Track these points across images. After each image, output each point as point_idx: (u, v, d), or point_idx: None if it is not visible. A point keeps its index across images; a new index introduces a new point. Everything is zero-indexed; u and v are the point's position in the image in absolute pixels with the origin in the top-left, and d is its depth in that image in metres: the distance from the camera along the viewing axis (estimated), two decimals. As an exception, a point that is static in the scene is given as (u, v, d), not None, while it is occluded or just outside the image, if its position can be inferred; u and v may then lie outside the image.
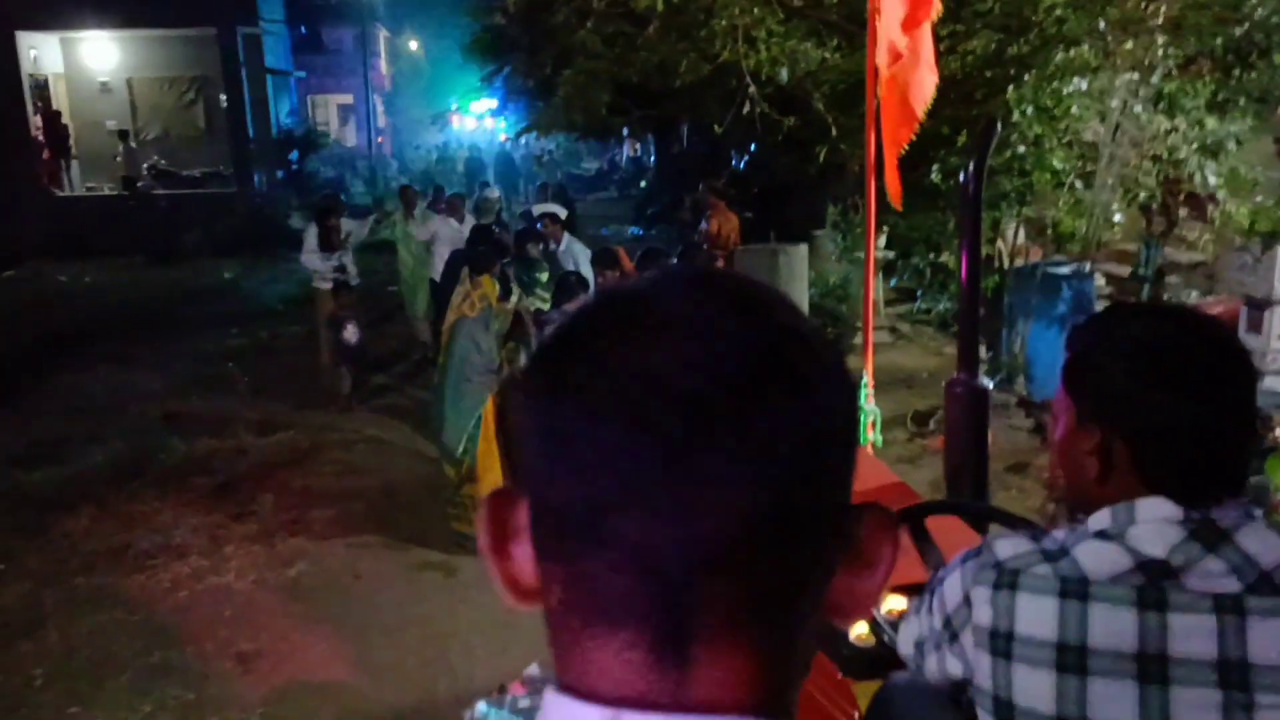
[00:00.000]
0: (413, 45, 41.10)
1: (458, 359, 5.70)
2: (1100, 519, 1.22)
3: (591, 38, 8.59)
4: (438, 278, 8.77)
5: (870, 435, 3.53)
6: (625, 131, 18.25)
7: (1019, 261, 7.23)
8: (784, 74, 7.16)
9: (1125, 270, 8.79)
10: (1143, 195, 5.85)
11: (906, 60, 3.72)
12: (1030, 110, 5.51)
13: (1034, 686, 1.18)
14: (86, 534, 5.86)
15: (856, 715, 1.86)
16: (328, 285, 8.42)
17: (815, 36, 7.98)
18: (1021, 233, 7.22)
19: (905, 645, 1.44)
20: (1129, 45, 5.64)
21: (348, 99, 34.38)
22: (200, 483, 6.56)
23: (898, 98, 3.81)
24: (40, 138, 17.92)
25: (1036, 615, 1.18)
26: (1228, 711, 1.12)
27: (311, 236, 8.66)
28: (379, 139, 36.03)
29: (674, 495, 0.51)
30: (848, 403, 0.57)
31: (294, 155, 20.91)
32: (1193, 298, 7.62)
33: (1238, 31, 5.74)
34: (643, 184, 23.01)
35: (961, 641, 1.27)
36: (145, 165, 19.04)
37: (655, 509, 0.51)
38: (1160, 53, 5.59)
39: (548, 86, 10.66)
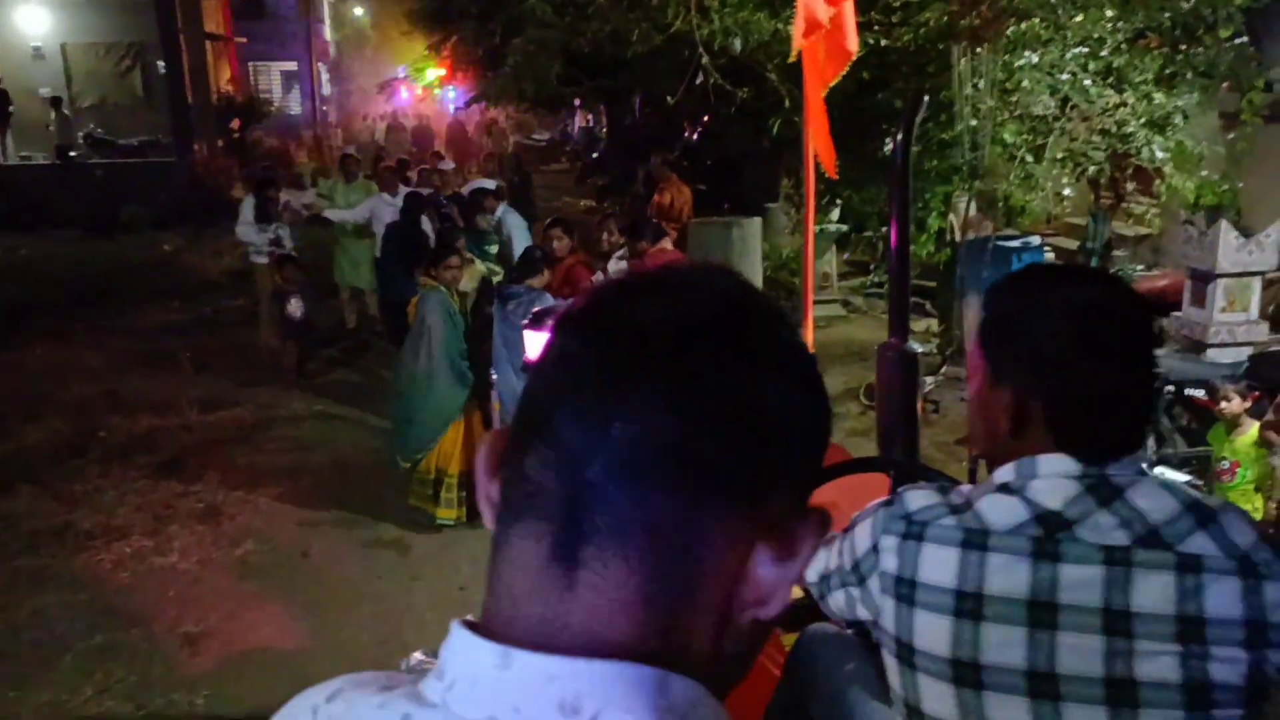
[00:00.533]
0: (358, 11, 40.30)
1: (433, 336, 5.44)
2: (1005, 472, 1.28)
3: (541, 6, 8.43)
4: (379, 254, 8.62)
5: None
6: (577, 102, 18.07)
7: (970, 235, 7.28)
8: (737, 44, 7.10)
9: (1074, 244, 8.92)
10: (1091, 169, 5.90)
11: (828, 32, 3.75)
12: (982, 84, 5.52)
13: (933, 630, 1.23)
14: (27, 514, 5.70)
15: (783, 661, 1.95)
16: (264, 259, 8.25)
17: (768, 7, 7.92)
18: (973, 206, 7.27)
19: (811, 574, 1.46)
20: (1079, 19, 5.66)
21: (291, 66, 33.57)
22: (143, 461, 6.41)
23: (816, 65, 3.86)
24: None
25: (938, 564, 1.24)
26: (1109, 657, 1.18)
27: (248, 208, 8.45)
28: (324, 107, 35.34)
29: (602, 403, 0.57)
30: (794, 398, 0.62)
31: (235, 123, 20.40)
32: (1138, 271, 7.76)
33: (1185, 6, 5.79)
34: (595, 155, 22.83)
35: (868, 586, 1.33)
36: (81, 134, 18.48)
37: (585, 411, 0.58)
38: (1109, 26, 5.62)
39: (497, 55, 10.48)
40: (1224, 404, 4.44)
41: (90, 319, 10.24)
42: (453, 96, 22.10)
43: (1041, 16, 5.48)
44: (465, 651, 0.58)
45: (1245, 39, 5.92)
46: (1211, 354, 6.39)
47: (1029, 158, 5.56)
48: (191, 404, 7.38)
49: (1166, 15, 5.71)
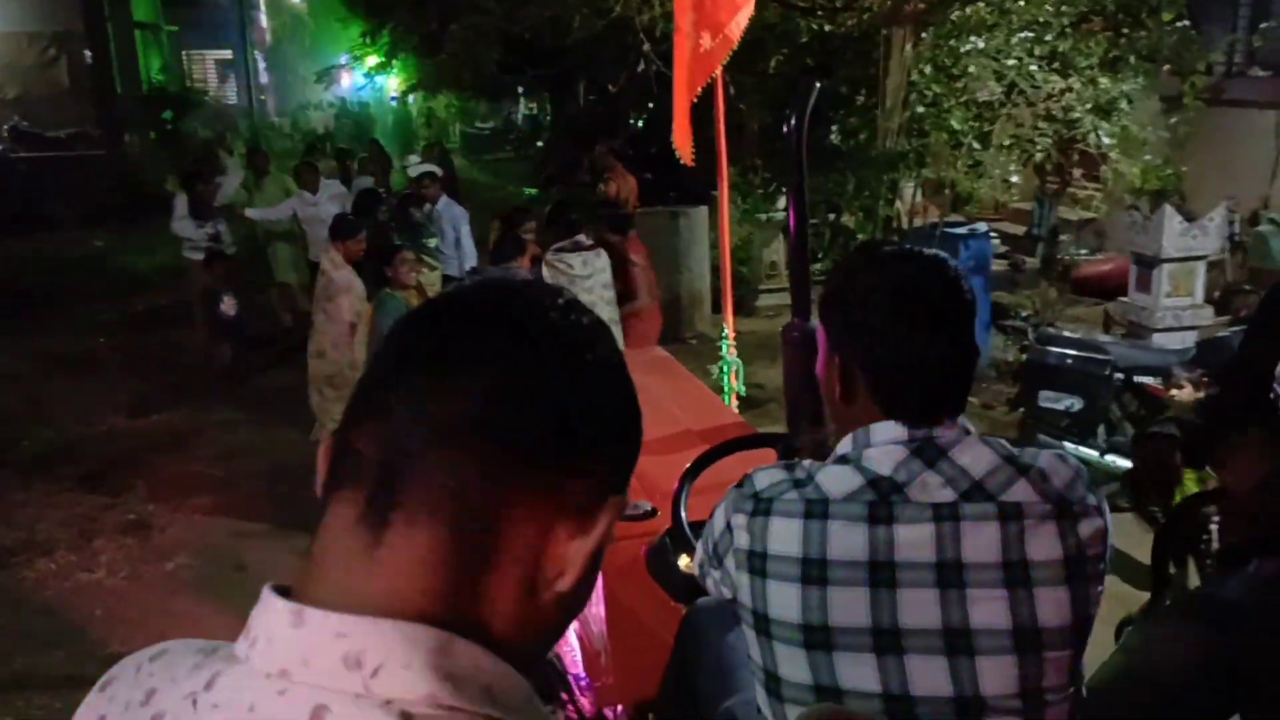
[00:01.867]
0: (295, -1, 39.43)
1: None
2: (844, 444, 1.38)
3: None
4: (314, 258, 8.32)
5: (734, 384, 3.77)
6: (520, 90, 17.79)
7: (917, 221, 7.23)
8: None
9: (1020, 229, 8.92)
10: (1038, 155, 5.85)
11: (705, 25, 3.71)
12: (929, 69, 5.43)
13: (784, 598, 1.30)
14: (-60, 532, 5.40)
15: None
16: (199, 255, 7.94)
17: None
18: (919, 192, 7.21)
19: (696, 567, 1.55)
20: (1022, 2, 5.60)
21: (226, 54, 32.73)
22: (67, 471, 6.11)
23: (688, 55, 3.82)
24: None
25: (784, 535, 1.31)
26: (945, 606, 1.26)
27: (181, 203, 8.13)
28: (262, 97, 34.54)
29: (425, 384, 0.65)
30: (597, 403, 0.69)
31: (168, 114, 19.79)
32: (1083, 255, 7.77)
33: (1128, -12, 5.76)
34: (539, 144, 22.54)
35: (725, 565, 1.40)
36: (5, 127, 17.80)
37: (411, 391, 0.65)
38: (1052, 10, 5.56)
39: (435, 43, 10.23)
40: (1175, 391, 4.41)
41: (13, 319, 9.82)
42: (392, 85, 21.68)
43: (985, 0, 5.41)
44: (266, 612, 0.63)
45: (1187, 22, 5.90)
46: (1158, 339, 6.39)
47: (976, 144, 5.49)
48: (119, 409, 7.09)
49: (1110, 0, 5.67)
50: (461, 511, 0.63)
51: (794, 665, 1.31)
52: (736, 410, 3.71)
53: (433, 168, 9.13)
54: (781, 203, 8.62)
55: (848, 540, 1.28)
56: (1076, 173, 6.86)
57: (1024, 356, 5.77)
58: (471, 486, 0.63)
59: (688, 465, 2.03)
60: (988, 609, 1.26)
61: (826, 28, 6.09)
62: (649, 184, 11.34)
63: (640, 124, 14.70)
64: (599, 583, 2.46)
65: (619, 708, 2.47)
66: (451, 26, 8.74)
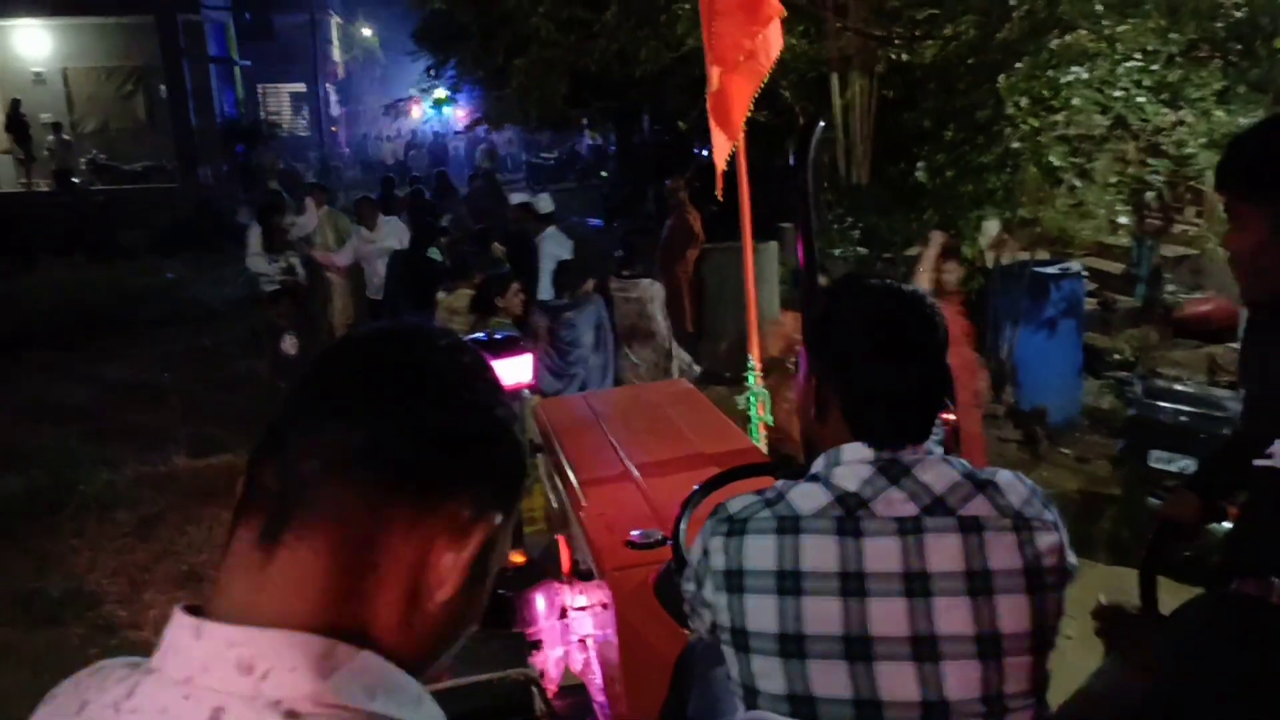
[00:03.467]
0: (366, 32, 40.20)
1: None
2: (817, 464, 1.44)
3: (546, 24, 8.05)
4: (375, 295, 8.16)
5: (761, 415, 3.82)
6: (584, 121, 17.69)
7: (1002, 259, 6.82)
8: None
9: (1111, 266, 8.44)
10: (1149, 194, 5.43)
11: (742, 64, 3.49)
12: (1025, 102, 5.07)
13: (761, 611, 1.36)
14: (-7, 577, 5.28)
15: None
16: (274, 289, 7.85)
17: (782, 23, 7.53)
18: (996, 227, 6.81)
19: (686, 608, 1.58)
20: (1124, 28, 5.21)
21: (300, 88, 33.43)
22: (122, 517, 5.96)
23: (725, 101, 3.59)
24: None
25: (759, 551, 1.38)
26: (913, 614, 1.32)
27: (255, 237, 8.05)
28: (333, 128, 35.18)
29: (321, 418, 0.75)
30: (474, 434, 0.78)
31: (240, 147, 20.12)
32: (1187, 296, 7.28)
33: (1238, 15, 5.34)
34: (603, 174, 22.44)
35: (704, 591, 1.45)
36: (84, 160, 18.22)
37: (308, 425, 0.75)
38: (1160, 39, 5.17)
39: (501, 76, 10.11)
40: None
41: (84, 350, 9.87)
42: (460, 117, 21.82)
43: (1087, 28, 5.04)
44: (174, 628, 0.71)
45: (1302, 50, 5.46)
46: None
47: (1077, 182, 5.11)
48: (179, 447, 6.97)
49: (1220, 26, 5.26)
50: (344, 533, 0.72)
51: (770, 677, 1.36)
52: (764, 441, 3.76)
53: (526, 197, 8.94)
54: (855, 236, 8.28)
55: (819, 553, 1.34)
56: (1192, 212, 6.40)
57: (1129, 410, 5.34)
58: (352, 512, 0.72)
59: (688, 493, 2.09)
60: (952, 617, 1.31)
61: (904, 57, 5.77)
62: (715, 216, 11.06)
63: (706, 154, 14.44)
64: (611, 611, 2.40)
65: None
66: (517, 61, 8.58)
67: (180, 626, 0.70)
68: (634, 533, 2.42)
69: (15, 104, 17.32)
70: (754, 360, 3.90)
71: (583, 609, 2.78)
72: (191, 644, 0.69)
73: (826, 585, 1.33)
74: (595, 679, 2.78)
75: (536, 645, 2.84)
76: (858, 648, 1.32)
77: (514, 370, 3.29)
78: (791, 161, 2.71)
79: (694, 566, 1.48)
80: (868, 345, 1.42)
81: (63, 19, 17.68)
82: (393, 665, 0.71)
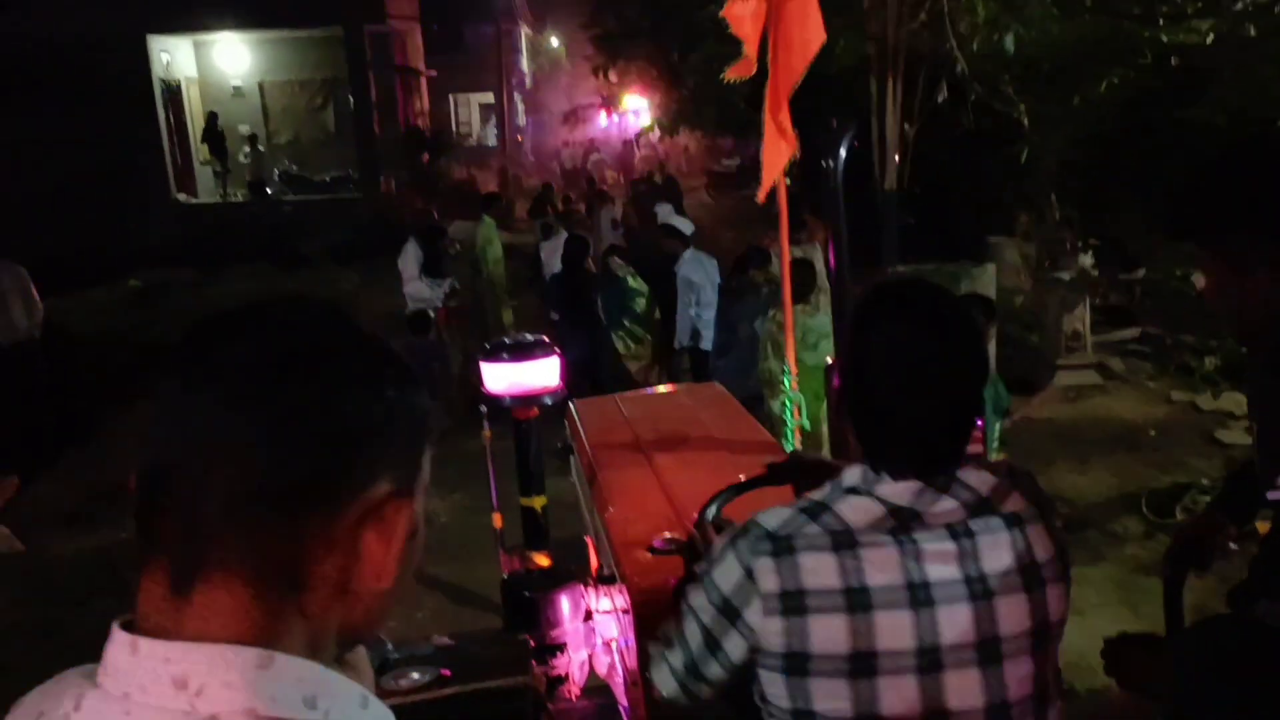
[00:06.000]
0: (554, 42, 40.58)
1: None
2: (852, 475, 1.38)
3: (722, 18, 7.16)
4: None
5: (797, 420, 3.84)
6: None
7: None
8: (1009, 42, 5.61)
9: None
10: None
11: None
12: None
13: (829, 632, 1.30)
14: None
15: None
16: (435, 311, 7.48)
17: (1006, 5, 6.35)
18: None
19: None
20: None
21: (488, 98, 33.91)
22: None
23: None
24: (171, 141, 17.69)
25: (819, 569, 1.31)
26: (978, 617, 1.31)
27: (413, 262, 7.59)
28: (518, 137, 35.57)
29: (201, 440, 0.69)
30: (371, 409, 0.73)
31: (424, 156, 20.23)
32: None
33: None
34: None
35: (745, 618, 1.35)
36: (277, 170, 18.73)
37: (192, 450, 0.69)
38: None
39: (675, 76, 9.30)
40: None
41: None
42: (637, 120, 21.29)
43: None
44: (112, 644, 0.70)
45: None
46: None
47: None
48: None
49: None
50: (260, 568, 0.69)
51: (835, 699, 1.30)
52: (798, 447, 3.77)
53: (670, 211, 8.20)
54: (1086, 259, 6.98)
55: (883, 566, 1.30)
56: None
57: None
58: (265, 545, 0.69)
59: (707, 501, 2.04)
60: (1013, 615, 1.31)
61: (1180, 38, 4.55)
62: (912, 230, 9.89)
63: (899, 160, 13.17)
64: (631, 617, 2.37)
65: None
66: (691, 56, 7.73)
67: (116, 642, 0.70)
68: (656, 539, 2.43)
69: (213, 117, 17.93)
70: (790, 365, 3.90)
71: (607, 612, 2.77)
72: (129, 660, 0.68)
73: (896, 598, 1.29)
74: (619, 681, 2.77)
75: (560, 648, 2.81)
76: (929, 659, 1.30)
77: (540, 374, 3.15)
78: (826, 166, 2.70)
79: (725, 594, 1.37)
80: (892, 385, 1.35)
81: (260, 33, 18.19)
82: (334, 673, 0.71)
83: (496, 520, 3.75)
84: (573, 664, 2.83)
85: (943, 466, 1.34)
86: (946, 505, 1.32)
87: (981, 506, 1.32)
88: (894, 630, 1.28)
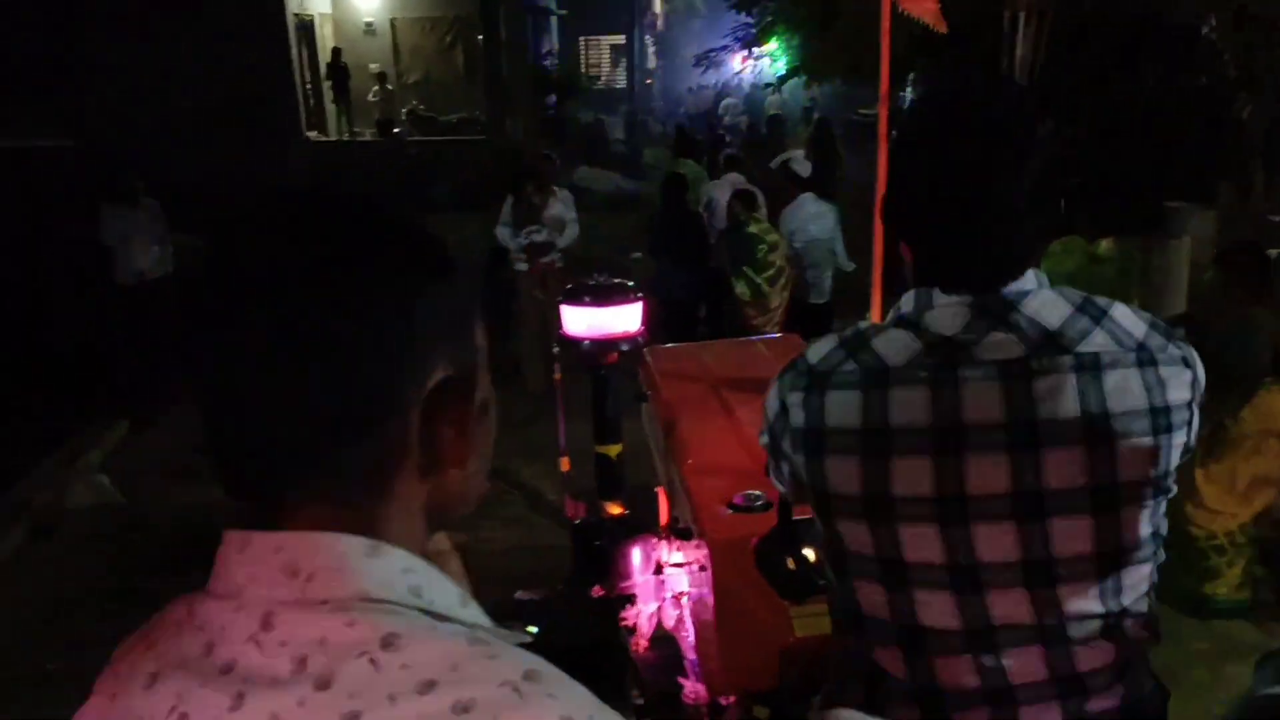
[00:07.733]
0: (689, -19, 39.56)
1: None
2: (906, 301, 1.30)
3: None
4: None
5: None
6: (910, 75, 15.64)
7: None
8: None
9: None
10: None
11: None
12: None
13: (844, 472, 1.27)
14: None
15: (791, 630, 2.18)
16: (524, 266, 7.12)
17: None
18: None
19: (769, 463, 1.50)
20: None
21: (620, 40, 33.29)
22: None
23: None
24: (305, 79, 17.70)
25: (843, 408, 1.27)
26: (1016, 471, 1.20)
27: (507, 205, 7.32)
28: (648, 81, 34.89)
29: (256, 392, 0.69)
30: (410, 322, 0.71)
31: (551, 99, 19.82)
32: None
33: None
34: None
35: (783, 448, 1.36)
36: (405, 110, 18.59)
37: (262, 412, 0.70)
38: None
39: (827, 18, 8.58)
40: None
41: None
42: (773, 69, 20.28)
43: None
44: (224, 545, 0.71)
45: None
46: None
47: None
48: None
49: None
50: (344, 482, 0.71)
51: (859, 539, 1.29)
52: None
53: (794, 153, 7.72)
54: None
55: (910, 407, 1.22)
56: None
57: None
58: (344, 460, 0.70)
59: None
60: (1063, 468, 1.19)
61: None
62: (1075, 195, 8.97)
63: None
64: (709, 574, 2.36)
65: (732, 698, 2.40)
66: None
67: (229, 543, 0.71)
68: (737, 495, 2.40)
69: (336, 53, 17.83)
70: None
71: (679, 565, 2.76)
72: (238, 556, 0.70)
73: (918, 442, 1.22)
74: (687, 636, 2.79)
75: (630, 599, 2.81)
76: (953, 509, 1.22)
77: (623, 319, 3.12)
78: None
79: (770, 421, 1.37)
80: (937, 209, 1.25)
81: (392, -31, 17.98)
82: (436, 569, 0.72)
83: (564, 464, 3.73)
84: (642, 616, 2.86)
85: (996, 276, 1.23)
86: (1000, 338, 1.22)
87: (1048, 343, 1.20)
88: (911, 477, 1.22)
